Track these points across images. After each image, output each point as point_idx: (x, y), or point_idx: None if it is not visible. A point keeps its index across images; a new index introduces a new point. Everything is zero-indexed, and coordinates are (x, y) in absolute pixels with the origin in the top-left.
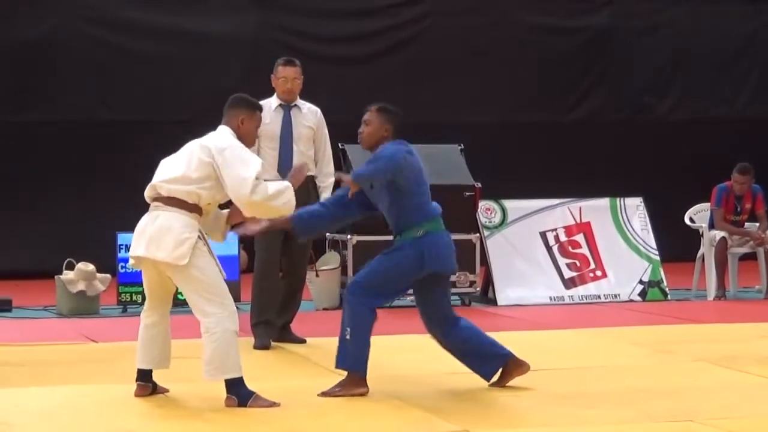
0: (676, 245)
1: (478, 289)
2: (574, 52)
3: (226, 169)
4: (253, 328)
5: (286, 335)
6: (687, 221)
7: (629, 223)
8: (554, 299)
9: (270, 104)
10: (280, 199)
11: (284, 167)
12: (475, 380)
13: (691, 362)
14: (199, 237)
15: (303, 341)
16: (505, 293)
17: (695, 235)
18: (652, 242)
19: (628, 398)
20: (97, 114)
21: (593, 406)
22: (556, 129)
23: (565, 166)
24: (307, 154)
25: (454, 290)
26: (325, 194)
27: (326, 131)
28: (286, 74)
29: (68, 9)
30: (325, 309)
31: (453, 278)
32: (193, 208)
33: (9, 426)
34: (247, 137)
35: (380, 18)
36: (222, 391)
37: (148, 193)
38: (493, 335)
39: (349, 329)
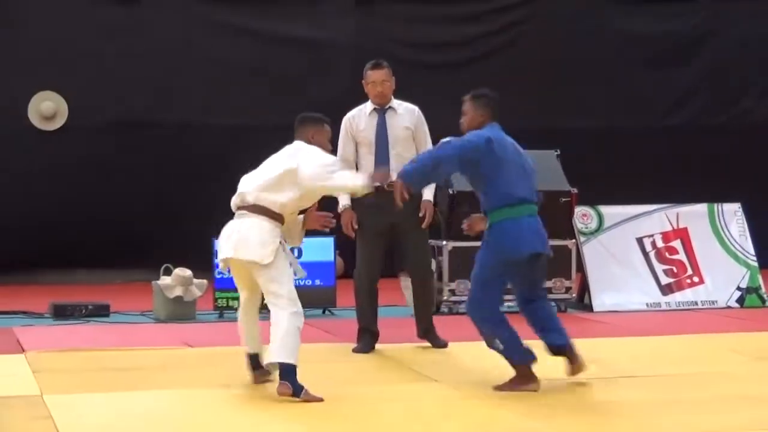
0: None
1: (574, 295)
2: (671, 56)
3: (305, 159)
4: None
5: (429, 338)
6: None
7: (727, 229)
8: (651, 305)
9: (365, 110)
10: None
11: None
12: (570, 388)
13: None
14: (280, 242)
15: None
16: (601, 299)
17: None
18: (751, 248)
19: (728, 406)
20: (196, 119)
21: (692, 413)
22: (652, 134)
23: (661, 172)
24: (405, 156)
25: (549, 296)
26: (427, 192)
27: (426, 129)
28: (375, 77)
29: (179, 17)
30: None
31: (549, 284)
32: (276, 216)
33: (113, 430)
34: (321, 149)
35: (477, 24)
36: (332, 398)
37: (234, 201)
38: (590, 341)
39: (496, 340)
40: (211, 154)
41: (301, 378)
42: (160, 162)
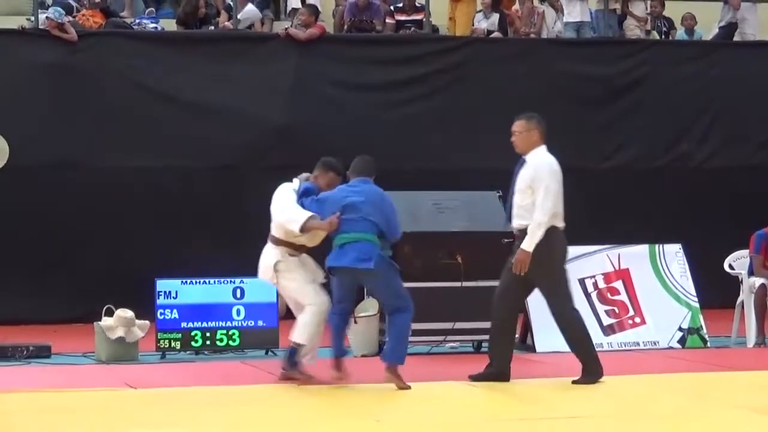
0: (716, 292)
1: (517, 336)
2: (612, 98)
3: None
4: None
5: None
6: (726, 268)
7: (668, 269)
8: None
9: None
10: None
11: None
12: (512, 428)
13: (732, 410)
14: (281, 261)
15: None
16: (544, 340)
17: (734, 282)
18: (692, 289)
19: None
20: (141, 161)
21: None
22: (594, 176)
23: (603, 213)
24: (519, 203)
25: None
26: (526, 240)
27: (545, 183)
28: (512, 128)
29: (123, 71)
30: (363, 356)
31: None
32: (279, 242)
33: None
34: (323, 189)
35: (416, 65)
36: None
37: None
38: (533, 382)
39: None
40: (152, 195)
41: (243, 419)
42: (100, 203)
